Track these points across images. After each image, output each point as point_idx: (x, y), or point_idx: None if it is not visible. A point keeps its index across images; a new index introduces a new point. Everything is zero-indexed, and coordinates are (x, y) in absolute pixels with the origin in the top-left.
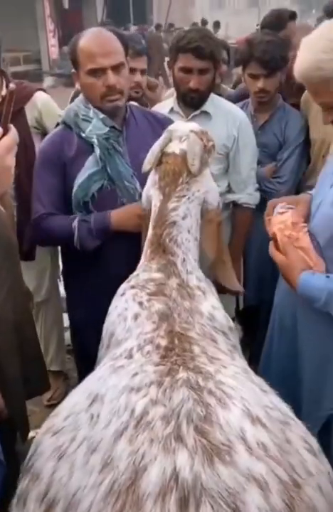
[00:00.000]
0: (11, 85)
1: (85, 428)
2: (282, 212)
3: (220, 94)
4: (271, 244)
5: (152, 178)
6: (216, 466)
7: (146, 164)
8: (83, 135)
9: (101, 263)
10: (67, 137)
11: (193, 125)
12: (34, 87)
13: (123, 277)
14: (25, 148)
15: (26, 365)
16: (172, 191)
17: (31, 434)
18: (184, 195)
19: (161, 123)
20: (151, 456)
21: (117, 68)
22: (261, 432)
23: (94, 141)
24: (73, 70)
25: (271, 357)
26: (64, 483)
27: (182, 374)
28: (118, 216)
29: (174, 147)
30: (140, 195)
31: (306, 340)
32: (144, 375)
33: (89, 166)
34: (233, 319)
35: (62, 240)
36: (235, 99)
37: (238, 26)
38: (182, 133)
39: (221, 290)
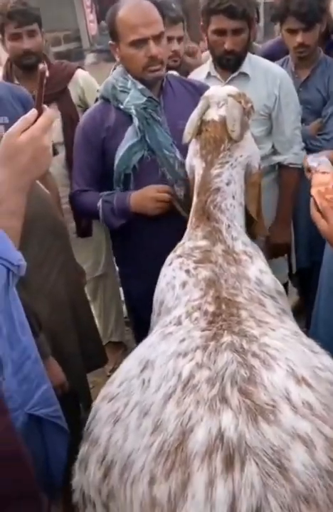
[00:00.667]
0: (41, 66)
1: (137, 393)
2: (323, 172)
3: (253, 52)
4: (312, 206)
5: (194, 148)
6: (260, 425)
7: (186, 135)
8: (121, 107)
9: (149, 233)
10: (106, 111)
11: (230, 88)
12: (74, 66)
13: (173, 245)
14: (72, 126)
15: (83, 340)
16: (214, 158)
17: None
18: (227, 162)
19: (199, 90)
20: (198, 417)
21: (158, 38)
22: (306, 392)
23: (133, 111)
24: (111, 42)
25: (319, 318)
26: (119, 446)
27: (226, 338)
28: (135, 199)
29: (213, 114)
30: (180, 164)
31: None
32: (190, 340)
33: (128, 138)
34: (287, 283)
35: (91, 217)
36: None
37: None
38: (219, 98)
39: (274, 252)
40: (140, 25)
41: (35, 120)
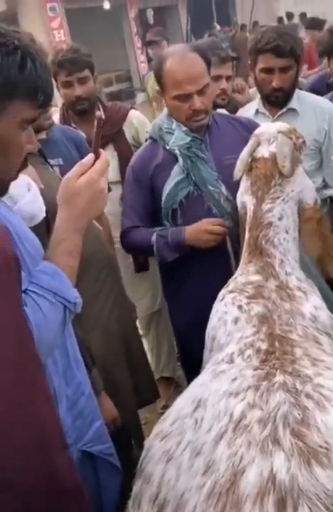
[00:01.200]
0: (98, 112)
1: (189, 432)
2: None
3: (299, 88)
4: None
5: (245, 185)
6: (314, 468)
7: (237, 172)
8: (167, 147)
9: (197, 266)
10: (154, 150)
11: (280, 125)
12: (128, 107)
13: (222, 279)
14: (128, 165)
15: (135, 375)
16: (265, 194)
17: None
18: (278, 197)
19: (246, 126)
20: (249, 458)
21: (201, 91)
22: None
23: (177, 151)
24: (158, 89)
25: None
26: (172, 485)
27: (279, 377)
28: (190, 232)
29: (263, 151)
30: (226, 198)
31: None
32: (242, 379)
33: (174, 175)
34: None
35: (144, 252)
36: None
37: (327, 17)
38: (270, 135)
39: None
40: (184, 82)
41: (93, 164)
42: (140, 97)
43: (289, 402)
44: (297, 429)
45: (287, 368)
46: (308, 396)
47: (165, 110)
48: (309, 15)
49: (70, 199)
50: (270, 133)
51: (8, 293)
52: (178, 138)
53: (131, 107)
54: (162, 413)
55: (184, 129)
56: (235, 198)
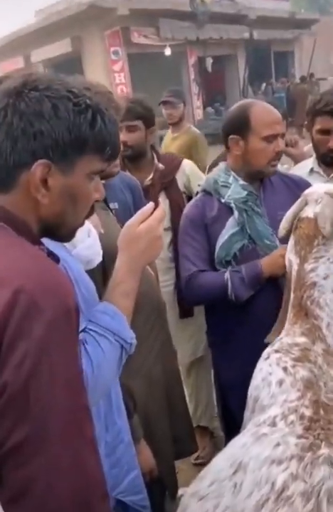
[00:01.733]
0: (160, 165)
1: (228, 496)
2: None
3: None
4: None
5: (291, 243)
6: None
7: (281, 230)
8: (223, 200)
9: (245, 320)
10: (208, 202)
11: (330, 186)
12: (181, 157)
13: (266, 330)
14: (180, 212)
15: (175, 424)
16: (308, 253)
17: (180, 491)
18: (322, 256)
19: (298, 184)
20: None
21: (283, 136)
22: None
23: (233, 205)
24: (234, 136)
25: None
26: None
27: (324, 450)
28: (267, 262)
29: (309, 211)
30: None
31: None
32: (285, 447)
33: (229, 227)
34: None
35: (214, 294)
36: None
37: None
38: (318, 196)
39: None
40: (275, 123)
41: (152, 212)
42: None
43: None
44: None
45: (332, 440)
46: None
47: (221, 165)
48: None
49: (130, 244)
50: (318, 194)
51: (66, 344)
52: (234, 191)
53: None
54: (195, 464)
55: (241, 183)
56: None
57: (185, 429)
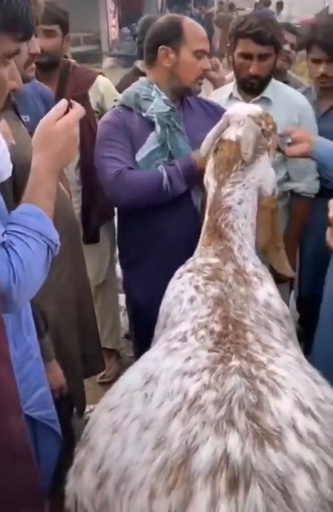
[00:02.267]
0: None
1: (138, 406)
2: None
3: (287, 81)
4: (328, 231)
5: (209, 166)
6: (266, 450)
7: (202, 151)
8: (144, 114)
9: (157, 239)
10: (128, 116)
11: (253, 108)
12: (96, 72)
13: (179, 254)
14: (90, 133)
15: (84, 343)
16: (226, 178)
17: (87, 408)
18: (239, 181)
19: (216, 110)
20: (203, 436)
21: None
22: (312, 423)
23: (155, 119)
24: (164, 47)
25: (319, 348)
26: (117, 457)
27: (235, 362)
28: (198, 155)
29: (231, 133)
30: None
31: None
32: (197, 360)
33: (150, 143)
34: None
35: (149, 188)
36: None
37: (302, 6)
38: (240, 118)
39: (279, 278)
40: (205, 40)
41: (66, 111)
42: (107, 62)
43: (245, 386)
44: (251, 412)
45: (241, 352)
46: (262, 382)
47: (142, 79)
48: (286, 4)
49: (47, 143)
50: (240, 115)
51: None
52: (157, 105)
53: (100, 73)
54: (101, 383)
55: (164, 97)
56: None
57: (94, 348)
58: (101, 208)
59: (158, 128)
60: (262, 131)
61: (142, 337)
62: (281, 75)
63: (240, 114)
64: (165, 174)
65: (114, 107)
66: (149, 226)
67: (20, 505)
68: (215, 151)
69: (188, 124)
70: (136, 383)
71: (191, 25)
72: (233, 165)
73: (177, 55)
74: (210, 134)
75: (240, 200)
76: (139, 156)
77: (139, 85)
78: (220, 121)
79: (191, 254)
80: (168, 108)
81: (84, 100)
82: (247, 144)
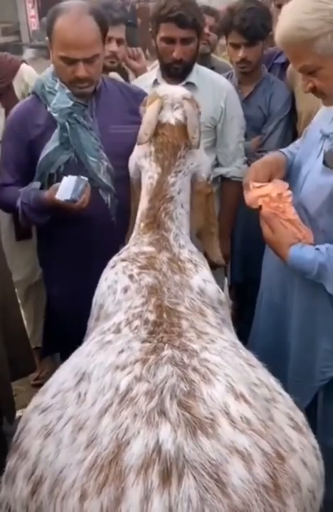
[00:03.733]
0: None
1: (72, 406)
2: (260, 186)
3: (212, 67)
4: (262, 221)
5: (145, 149)
6: (199, 438)
7: (143, 136)
8: (48, 109)
9: (77, 235)
10: (37, 108)
11: (184, 91)
12: (19, 61)
13: (104, 253)
14: None
15: (11, 346)
16: (171, 165)
17: (18, 413)
18: (181, 170)
19: (136, 97)
20: (134, 429)
21: (89, 60)
22: (244, 407)
23: (56, 115)
24: (48, 41)
25: (257, 333)
26: (51, 461)
27: (167, 351)
28: (49, 198)
29: (168, 116)
30: (106, 170)
31: (295, 315)
32: (130, 352)
33: (55, 139)
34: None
35: (11, 211)
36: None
37: None
38: (174, 100)
39: (211, 264)
40: (72, 47)
41: None
42: (28, 53)
43: (177, 374)
44: (183, 401)
45: (174, 342)
46: (195, 370)
47: (49, 68)
48: None
49: None
50: (174, 98)
51: None
52: (59, 100)
53: (23, 61)
54: (35, 384)
55: (67, 91)
56: (117, 169)
57: (21, 350)
58: None
59: (58, 126)
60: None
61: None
62: (206, 60)
63: (172, 96)
64: (20, 212)
65: (29, 93)
66: (62, 218)
67: None
68: (155, 134)
69: (101, 115)
70: (69, 382)
71: (61, 26)
72: (177, 151)
73: (52, 54)
74: (152, 117)
75: (179, 189)
76: (45, 152)
77: (47, 74)
78: (154, 104)
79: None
80: (70, 103)
81: (8, 91)
82: (194, 128)
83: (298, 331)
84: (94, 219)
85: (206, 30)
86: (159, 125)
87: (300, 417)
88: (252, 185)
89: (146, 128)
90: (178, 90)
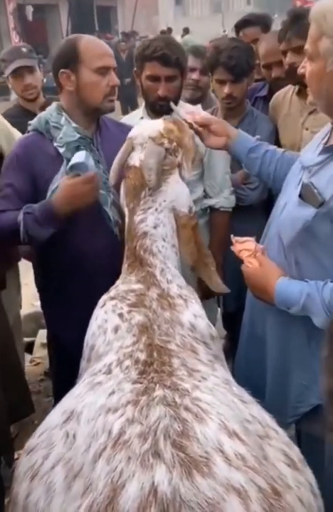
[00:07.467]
0: None
1: (59, 446)
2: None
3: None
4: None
5: (122, 193)
6: (195, 478)
7: (111, 179)
8: (55, 144)
9: (78, 271)
10: (42, 142)
11: (153, 127)
12: None
13: (100, 278)
14: None
15: (9, 389)
16: (136, 206)
17: (16, 455)
18: (150, 207)
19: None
20: (129, 472)
21: (115, 70)
22: (238, 444)
23: (63, 149)
24: (64, 70)
25: (240, 366)
26: (41, 509)
27: (158, 392)
28: (59, 196)
29: (135, 158)
30: (112, 203)
31: (271, 348)
32: (121, 394)
33: (63, 172)
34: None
35: (11, 236)
36: None
37: (202, 33)
38: (143, 139)
39: (207, 293)
40: (106, 55)
41: None
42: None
43: (170, 415)
44: (177, 441)
45: (165, 381)
46: (187, 409)
47: (53, 104)
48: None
49: None
50: (143, 137)
51: None
52: (66, 134)
53: None
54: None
55: (74, 125)
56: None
57: (20, 393)
58: (6, 252)
59: (64, 162)
60: (166, 150)
61: (64, 375)
62: (204, 98)
63: (142, 134)
64: (22, 226)
65: (28, 131)
66: (67, 252)
67: None
68: (125, 178)
69: (105, 148)
70: (55, 420)
71: (88, 43)
72: (140, 192)
73: (77, 76)
74: (116, 160)
75: (155, 224)
76: (52, 186)
77: (49, 111)
78: (125, 145)
79: (114, 274)
80: (77, 136)
81: None
82: (149, 171)
83: (273, 364)
84: (102, 245)
85: (195, 76)
86: (126, 168)
87: (296, 453)
88: (235, 240)
89: (111, 170)
90: (148, 127)
